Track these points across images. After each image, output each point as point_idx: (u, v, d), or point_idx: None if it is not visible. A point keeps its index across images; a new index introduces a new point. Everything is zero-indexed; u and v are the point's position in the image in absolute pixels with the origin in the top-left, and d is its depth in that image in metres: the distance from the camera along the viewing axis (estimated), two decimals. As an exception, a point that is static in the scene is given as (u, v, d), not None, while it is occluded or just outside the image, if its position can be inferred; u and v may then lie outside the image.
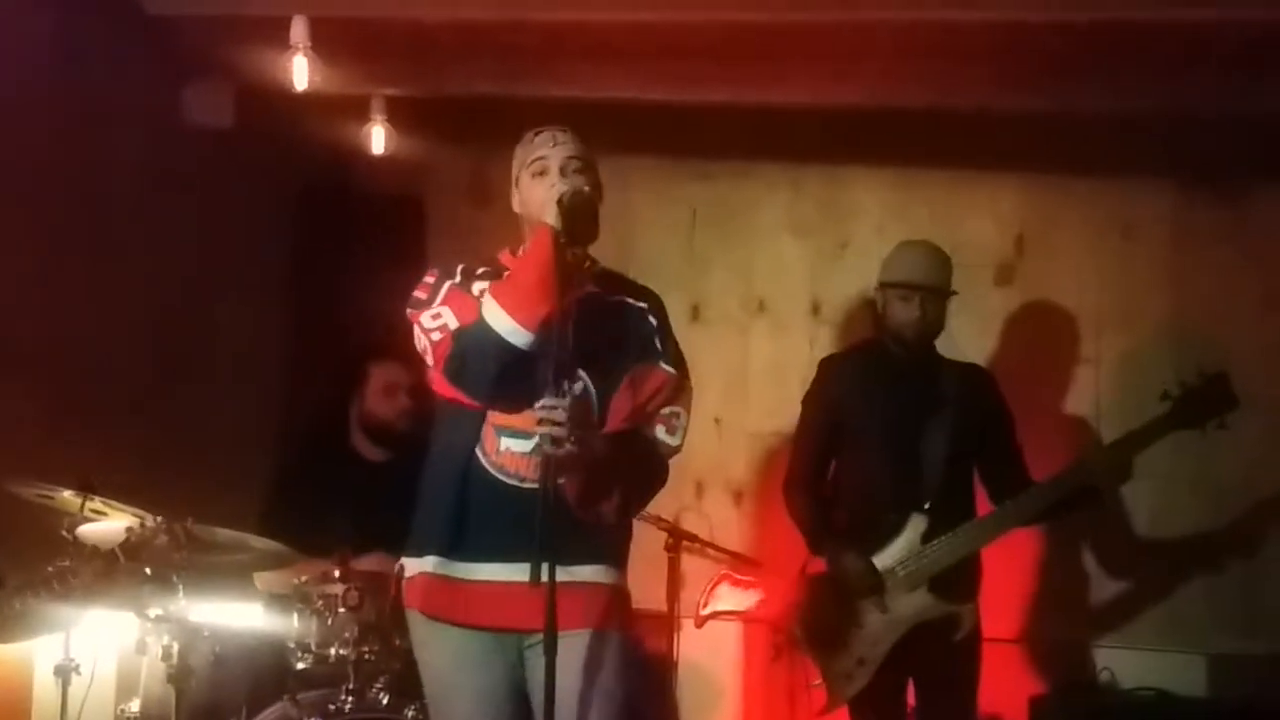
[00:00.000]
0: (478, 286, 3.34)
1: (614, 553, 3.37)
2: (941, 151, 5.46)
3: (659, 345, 3.37)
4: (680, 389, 3.36)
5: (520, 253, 3.38)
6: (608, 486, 3.23)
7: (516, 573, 3.06)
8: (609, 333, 3.33)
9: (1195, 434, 4.26)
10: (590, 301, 3.33)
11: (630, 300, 3.43)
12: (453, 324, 3.27)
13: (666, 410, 3.33)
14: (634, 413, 3.30)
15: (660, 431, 3.32)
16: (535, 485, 3.10)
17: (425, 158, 5.80)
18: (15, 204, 4.22)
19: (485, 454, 3.28)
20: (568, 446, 3.06)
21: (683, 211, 5.80)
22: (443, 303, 3.32)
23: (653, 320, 3.40)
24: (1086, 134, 5.27)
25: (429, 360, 3.32)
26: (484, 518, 3.27)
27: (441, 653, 3.35)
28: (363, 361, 4.96)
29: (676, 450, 3.35)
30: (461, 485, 3.29)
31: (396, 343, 4.68)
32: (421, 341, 3.32)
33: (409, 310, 3.37)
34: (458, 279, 3.37)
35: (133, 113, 4.82)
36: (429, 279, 3.39)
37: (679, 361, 3.39)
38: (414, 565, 3.37)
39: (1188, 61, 4.71)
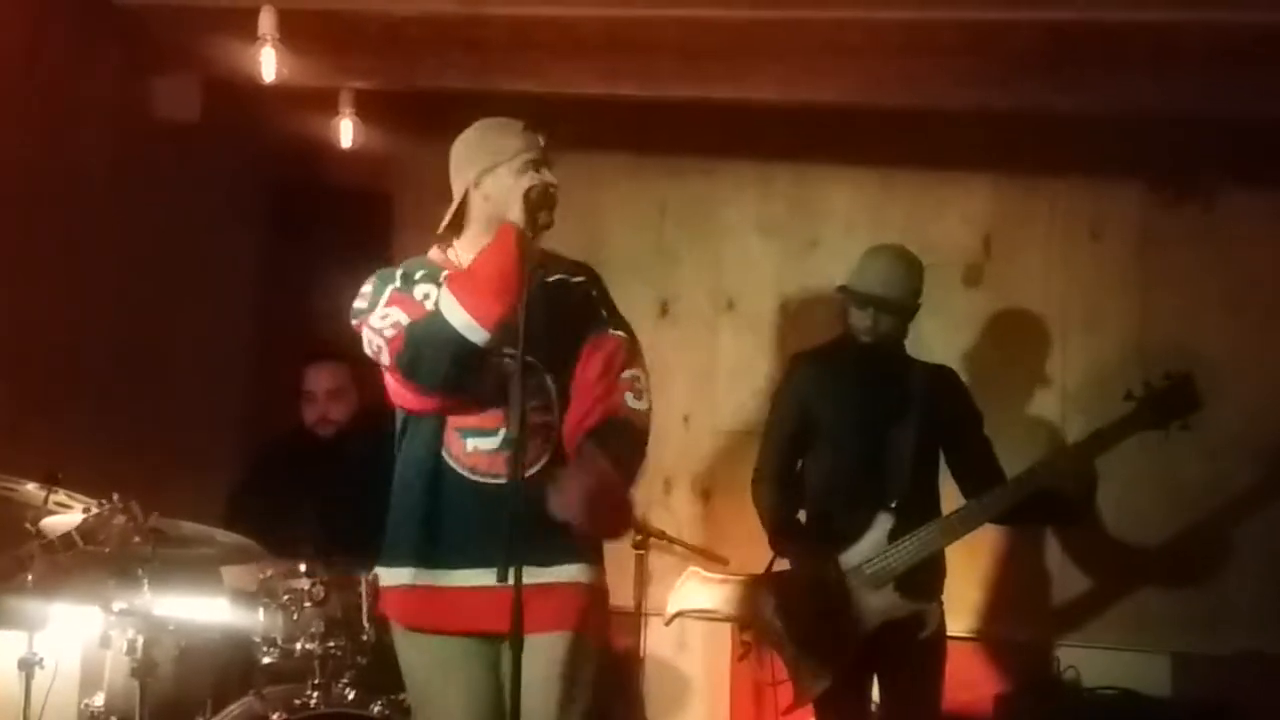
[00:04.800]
0: (420, 290, 3.32)
1: (592, 550, 3.37)
2: (911, 151, 5.46)
3: (604, 314, 3.41)
4: (634, 351, 3.40)
5: (455, 247, 3.41)
6: (611, 499, 3.21)
7: (493, 577, 3.00)
8: (557, 314, 3.32)
9: (1160, 435, 4.26)
10: (536, 287, 3.30)
11: (569, 278, 3.44)
12: (404, 320, 3.24)
13: (627, 374, 3.34)
14: (599, 382, 3.31)
15: (628, 398, 3.32)
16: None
17: (393, 152, 5.76)
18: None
19: (453, 457, 3.28)
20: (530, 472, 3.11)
21: (652, 208, 5.78)
22: (388, 304, 3.28)
23: (593, 292, 3.44)
24: (1056, 134, 5.28)
25: (383, 360, 3.29)
26: (459, 521, 3.26)
27: (423, 661, 3.34)
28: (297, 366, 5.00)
29: (647, 413, 3.35)
30: (433, 491, 3.28)
31: (325, 346, 4.75)
32: (375, 342, 3.28)
33: (353, 320, 3.34)
34: (398, 283, 3.35)
35: (99, 105, 4.80)
36: (367, 288, 3.36)
37: (624, 325, 3.42)
38: (389, 576, 3.36)
39: (1157, 63, 4.74)
